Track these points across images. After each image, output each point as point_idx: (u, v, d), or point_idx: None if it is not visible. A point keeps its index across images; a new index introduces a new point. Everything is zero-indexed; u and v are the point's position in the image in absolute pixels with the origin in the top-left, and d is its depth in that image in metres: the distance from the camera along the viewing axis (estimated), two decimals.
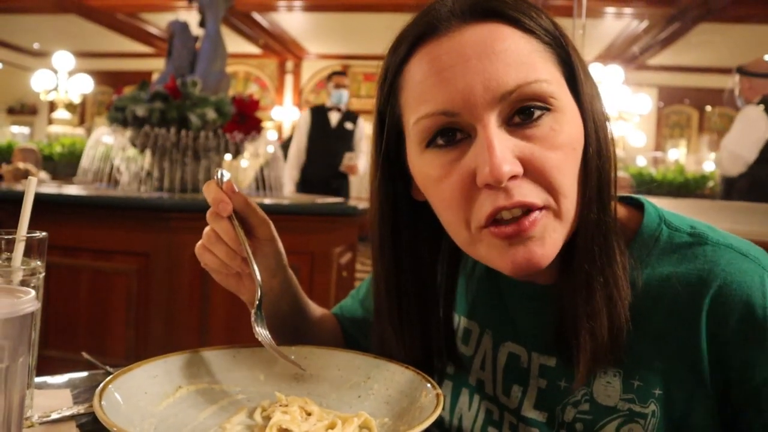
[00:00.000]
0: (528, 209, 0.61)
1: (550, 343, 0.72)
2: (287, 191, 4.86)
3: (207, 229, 0.79)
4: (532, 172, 0.61)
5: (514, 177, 0.60)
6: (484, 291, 0.83)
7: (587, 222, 0.64)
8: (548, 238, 0.62)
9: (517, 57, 0.61)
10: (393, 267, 0.77)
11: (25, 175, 5.22)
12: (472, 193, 0.63)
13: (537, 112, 0.61)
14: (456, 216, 0.65)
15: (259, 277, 0.77)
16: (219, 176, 0.78)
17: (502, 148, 0.59)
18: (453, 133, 0.64)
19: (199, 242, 0.80)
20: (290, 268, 0.88)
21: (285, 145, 5.61)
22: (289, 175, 5.16)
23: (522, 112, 0.62)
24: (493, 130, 0.60)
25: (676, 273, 0.66)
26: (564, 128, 0.62)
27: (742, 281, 0.63)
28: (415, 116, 0.65)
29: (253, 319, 0.75)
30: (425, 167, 0.66)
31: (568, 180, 0.62)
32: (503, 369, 0.78)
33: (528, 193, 0.61)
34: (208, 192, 0.77)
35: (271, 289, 0.84)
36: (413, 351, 0.78)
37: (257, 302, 0.76)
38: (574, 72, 0.65)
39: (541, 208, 0.61)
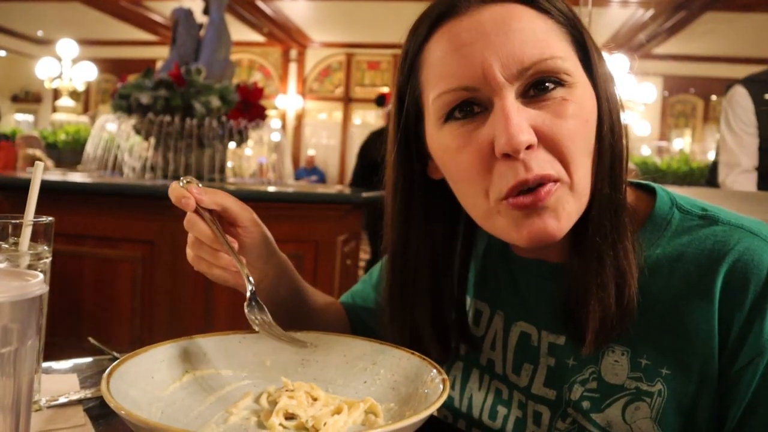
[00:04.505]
0: (544, 181, 0.63)
1: (560, 321, 0.73)
2: None
3: (189, 237, 0.78)
4: (546, 140, 0.63)
5: (529, 147, 0.62)
6: (494, 272, 0.84)
7: (600, 197, 0.66)
8: (562, 210, 0.64)
9: (534, 35, 0.64)
10: (403, 244, 0.78)
11: (33, 160, 5.20)
12: (490, 163, 0.64)
13: (551, 86, 0.64)
14: (475, 187, 0.67)
15: (245, 269, 0.76)
16: (182, 183, 0.76)
17: (519, 118, 0.62)
18: (470, 107, 0.66)
19: (190, 253, 0.79)
20: (294, 257, 0.87)
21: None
22: None
23: (536, 86, 0.64)
24: (510, 101, 0.63)
25: (687, 253, 0.67)
26: (576, 100, 0.64)
27: (753, 259, 0.63)
28: (436, 92, 0.67)
29: (246, 310, 0.75)
30: (444, 139, 0.68)
31: (579, 151, 0.64)
32: (514, 348, 0.78)
33: (544, 164, 0.63)
34: (171, 192, 0.76)
35: (267, 275, 0.84)
36: (421, 331, 0.79)
37: (249, 293, 0.76)
38: (588, 53, 0.68)
39: (555, 180, 0.63)
